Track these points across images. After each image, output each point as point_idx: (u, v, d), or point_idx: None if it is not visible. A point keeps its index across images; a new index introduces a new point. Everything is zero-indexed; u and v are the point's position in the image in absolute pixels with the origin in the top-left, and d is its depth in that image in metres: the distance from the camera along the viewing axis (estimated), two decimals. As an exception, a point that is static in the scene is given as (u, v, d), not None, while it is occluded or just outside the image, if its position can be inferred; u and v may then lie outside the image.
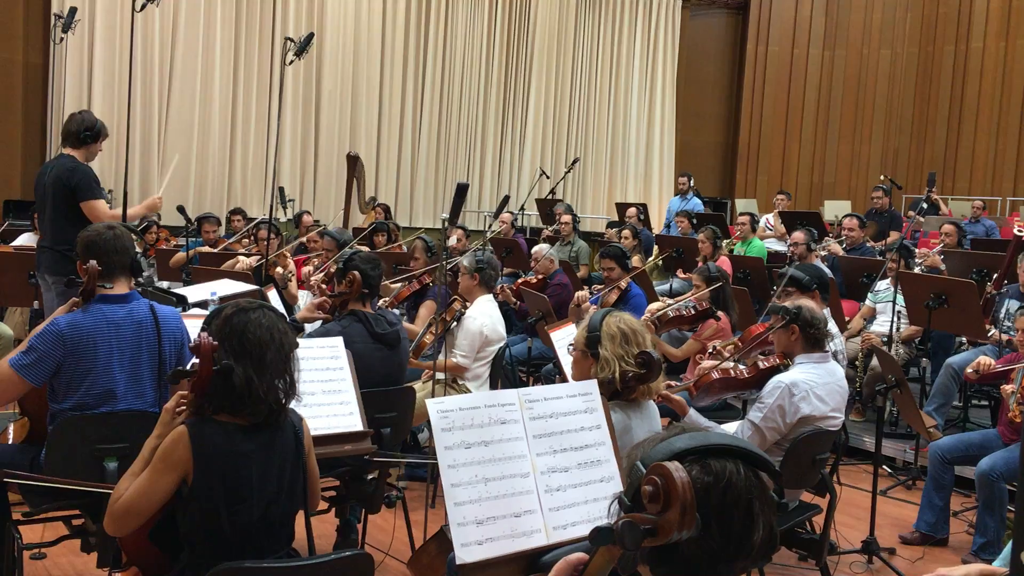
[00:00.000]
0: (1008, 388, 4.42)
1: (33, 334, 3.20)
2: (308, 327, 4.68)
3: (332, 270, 5.84)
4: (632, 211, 10.49)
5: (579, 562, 1.58)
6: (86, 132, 5.16)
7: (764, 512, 1.45)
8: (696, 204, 11.83)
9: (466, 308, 5.37)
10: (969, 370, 4.73)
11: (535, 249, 7.43)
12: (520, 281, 7.30)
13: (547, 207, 11.21)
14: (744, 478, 1.44)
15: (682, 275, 8.00)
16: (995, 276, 6.23)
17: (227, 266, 6.86)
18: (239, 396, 2.33)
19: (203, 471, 2.30)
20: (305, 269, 7.12)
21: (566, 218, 9.57)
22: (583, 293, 6.57)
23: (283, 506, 2.44)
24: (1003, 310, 5.72)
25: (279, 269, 6.71)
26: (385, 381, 4.04)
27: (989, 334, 5.67)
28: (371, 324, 4.08)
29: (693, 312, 5.51)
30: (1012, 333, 5.24)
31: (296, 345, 2.48)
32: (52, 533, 3.57)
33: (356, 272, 4.11)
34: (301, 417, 2.54)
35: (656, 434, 1.53)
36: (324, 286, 6.23)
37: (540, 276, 7.18)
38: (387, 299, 5.93)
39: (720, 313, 5.51)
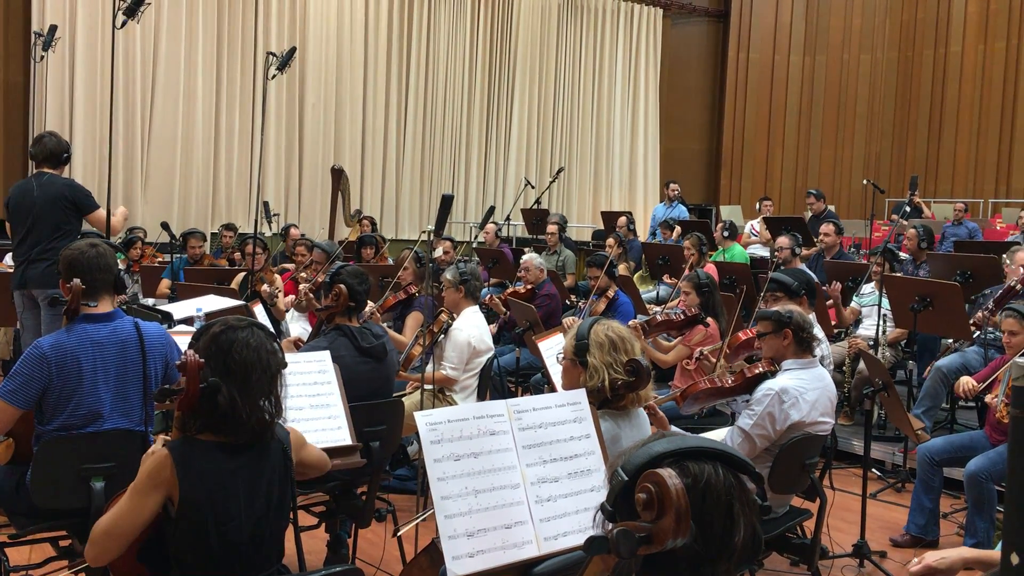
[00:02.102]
0: (990, 397, 4.47)
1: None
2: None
3: (320, 280, 5.83)
4: (623, 220, 10.56)
5: None
6: (66, 154, 5.54)
7: (745, 513, 1.46)
8: (681, 211, 11.87)
9: (453, 320, 5.36)
10: (959, 393, 4.76)
11: (525, 259, 7.44)
12: (509, 291, 7.31)
13: (533, 217, 11.22)
14: (723, 479, 1.46)
15: (668, 280, 8.00)
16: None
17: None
18: (222, 416, 2.32)
19: (189, 491, 2.28)
20: (303, 287, 7.10)
21: (551, 228, 9.59)
22: (572, 319, 6.58)
23: (272, 524, 2.42)
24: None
25: (266, 286, 6.69)
26: (373, 394, 4.02)
27: (975, 335, 5.69)
28: (356, 338, 4.06)
29: (682, 318, 5.52)
30: (992, 333, 5.27)
31: (284, 365, 2.46)
32: (39, 555, 3.54)
33: (343, 285, 4.09)
34: (288, 432, 2.53)
35: (639, 441, 1.55)
36: (311, 296, 6.22)
37: (529, 286, 7.19)
38: (372, 307, 5.91)
39: (709, 319, 5.53)
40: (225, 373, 2.32)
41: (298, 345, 4.44)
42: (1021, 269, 5.89)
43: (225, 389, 2.31)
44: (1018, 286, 5.45)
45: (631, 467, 1.45)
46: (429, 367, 4.86)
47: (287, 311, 6.95)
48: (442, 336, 5.28)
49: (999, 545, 1.94)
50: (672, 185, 12.27)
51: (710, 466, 1.45)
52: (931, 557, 2.45)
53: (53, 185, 5.37)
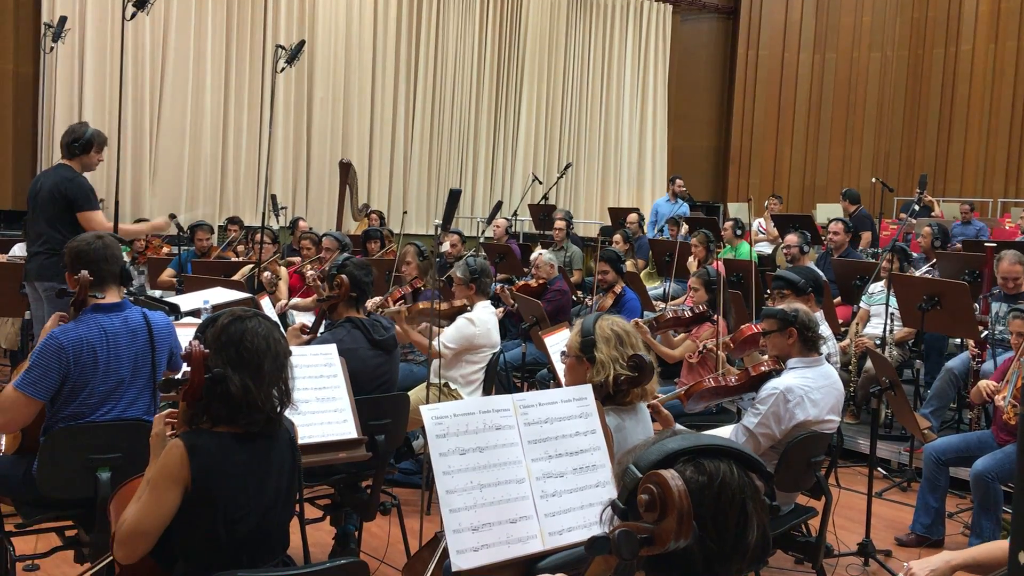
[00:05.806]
0: (999, 398, 4.45)
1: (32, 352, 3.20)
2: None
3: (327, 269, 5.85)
4: (634, 217, 10.54)
5: None
6: (74, 143, 5.28)
7: (757, 512, 1.46)
8: (684, 209, 11.82)
9: (469, 310, 5.38)
10: (975, 399, 4.75)
11: (535, 255, 7.44)
12: (520, 284, 7.32)
13: (540, 212, 11.22)
14: (737, 478, 1.45)
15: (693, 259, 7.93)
16: None
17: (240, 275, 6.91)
18: (237, 405, 2.32)
19: (201, 483, 2.27)
20: (310, 274, 7.15)
21: (558, 224, 9.59)
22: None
23: (279, 514, 2.43)
24: (994, 313, 5.73)
25: (267, 274, 6.71)
26: (383, 387, 4.04)
27: (982, 335, 5.68)
28: (369, 331, 4.07)
29: (690, 315, 5.52)
30: (1001, 333, 5.25)
31: (290, 353, 2.47)
32: (45, 544, 3.55)
33: (344, 275, 4.10)
34: (292, 423, 2.54)
35: (649, 438, 1.54)
36: (318, 283, 6.26)
37: (541, 280, 7.20)
38: (378, 300, 5.91)
39: (716, 316, 5.51)
40: (238, 363, 2.32)
41: (303, 331, 4.43)
42: None
43: (238, 378, 2.31)
44: None
45: (645, 464, 1.44)
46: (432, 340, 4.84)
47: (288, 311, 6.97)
48: (445, 322, 5.30)
49: (1005, 545, 1.93)
50: (678, 181, 12.23)
51: (725, 464, 1.45)
52: (916, 566, 2.43)
53: (55, 177, 5.22)
